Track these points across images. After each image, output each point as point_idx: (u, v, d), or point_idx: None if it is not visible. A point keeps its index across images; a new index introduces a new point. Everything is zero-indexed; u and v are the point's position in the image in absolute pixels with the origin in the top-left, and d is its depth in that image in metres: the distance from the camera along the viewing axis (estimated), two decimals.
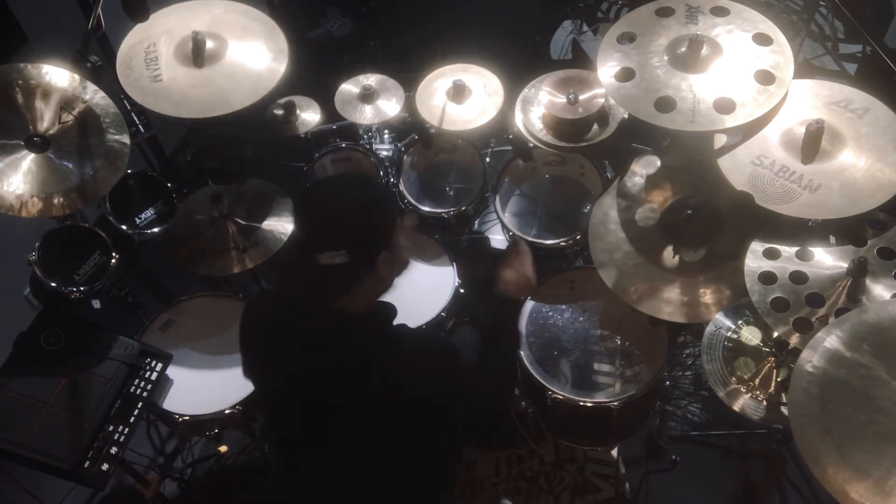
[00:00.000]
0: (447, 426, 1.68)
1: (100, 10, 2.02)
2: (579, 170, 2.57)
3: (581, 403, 2.15)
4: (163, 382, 2.19)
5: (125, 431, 2.03)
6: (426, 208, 2.60)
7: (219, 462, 2.50)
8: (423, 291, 2.32)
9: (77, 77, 2.02)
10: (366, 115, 2.57)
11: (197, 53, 2.20)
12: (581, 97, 2.25)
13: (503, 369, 1.71)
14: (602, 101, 2.24)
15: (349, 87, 2.62)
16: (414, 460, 1.58)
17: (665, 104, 1.95)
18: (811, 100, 1.96)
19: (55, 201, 1.93)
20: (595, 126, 2.29)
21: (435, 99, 2.51)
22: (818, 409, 1.42)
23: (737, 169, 1.91)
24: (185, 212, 2.44)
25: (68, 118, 2.00)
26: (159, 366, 2.16)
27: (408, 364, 1.47)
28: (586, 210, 2.47)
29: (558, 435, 2.41)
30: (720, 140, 1.98)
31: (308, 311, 1.47)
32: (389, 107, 2.57)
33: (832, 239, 1.84)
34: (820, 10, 3.46)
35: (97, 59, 2.14)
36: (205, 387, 2.22)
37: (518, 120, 2.36)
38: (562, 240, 2.44)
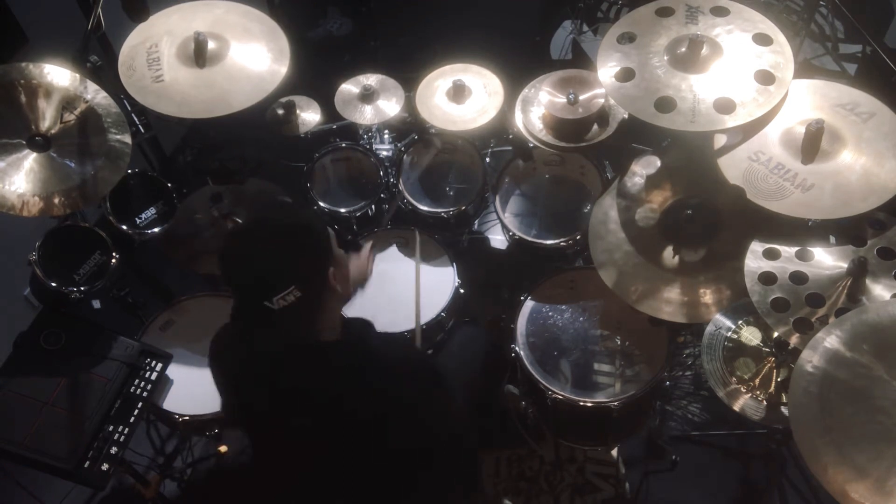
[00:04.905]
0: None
1: (100, 10, 2.03)
2: (579, 170, 2.57)
3: (581, 403, 2.15)
4: (163, 382, 2.19)
5: (125, 431, 2.03)
6: (426, 208, 2.60)
7: (219, 462, 2.49)
8: (422, 291, 2.31)
9: (78, 77, 2.02)
10: (366, 115, 2.57)
11: (199, 54, 2.20)
12: (581, 97, 2.25)
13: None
14: (602, 101, 2.24)
15: (349, 87, 2.62)
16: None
17: (665, 104, 1.95)
18: (816, 100, 1.96)
19: (56, 201, 1.94)
20: (595, 126, 2.28)
21: (435, 99, 2.51)
22: (818, 409, 1.42)
23: (733, 163, 1.92)
24: (185, 212, 2.44)
25: (70, 118, 2.00)
26: (159, 366, 2.16)
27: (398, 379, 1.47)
28: (586, 210, 2.47)
29: (558, 435, 2.41)
30: (720, 140, 1.98)
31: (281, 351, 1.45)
32: (389, 107, 2.57)
33: (832, 239, 1.84)
34: (820, 10, 3.46)
35: (97, 59, 2.14)
36: (205, 387, 2.20)
37: (518, 120, 2.36)
38: (562, 240, 2.45)
